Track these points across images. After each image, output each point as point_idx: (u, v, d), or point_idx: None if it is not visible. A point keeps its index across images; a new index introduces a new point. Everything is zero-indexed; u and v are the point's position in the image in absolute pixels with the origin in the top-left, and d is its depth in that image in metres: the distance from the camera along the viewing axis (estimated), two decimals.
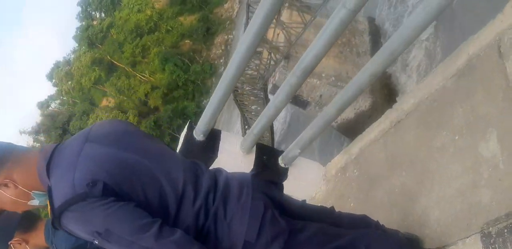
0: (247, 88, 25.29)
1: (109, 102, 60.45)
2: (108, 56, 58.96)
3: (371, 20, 20.96)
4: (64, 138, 67.36)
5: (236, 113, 36.69)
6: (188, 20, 60.82)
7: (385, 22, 19.84)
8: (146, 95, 53.92)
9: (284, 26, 20.14)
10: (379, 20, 20.58)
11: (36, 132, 77.31)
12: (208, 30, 57.55)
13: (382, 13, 20.36)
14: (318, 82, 19.59)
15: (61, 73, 72.28)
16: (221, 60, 55.20)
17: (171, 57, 53.54)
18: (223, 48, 56.13)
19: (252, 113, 26.50)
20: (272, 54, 21.38)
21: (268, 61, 22.46)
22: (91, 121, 57.15)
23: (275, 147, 27.46)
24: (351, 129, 18.88)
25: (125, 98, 55.54)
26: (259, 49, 23.44)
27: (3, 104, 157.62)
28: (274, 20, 21.00)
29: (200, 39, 57.82)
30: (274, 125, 26.14)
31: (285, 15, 22.14)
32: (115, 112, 52.87)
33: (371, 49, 20.16)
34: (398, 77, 17.08)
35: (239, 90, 26.05)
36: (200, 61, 55.06)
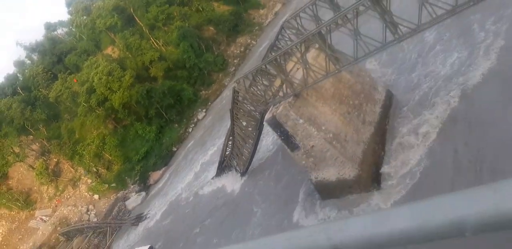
0: (247, 105, 24.95)
1: (113, 53, 58.92)
2: (131, 9, 57.36)
3: (389, 95, 20.82)
4: (55, 67, 66.00)
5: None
6: (222, 9, 59.30)
7: (402, 105, 19.58)
8: (151, 62, 52.73)
9: (307, 66, 19.77)
10: (398, 98, 20.33)
11: (32, 49, 75.77)
12: (236, 26, 56.27)
13: (403, 93, 20.13)
14: (315, 133, 19.18)
15: (80, 5, 70.57)
16: (235, 61, 54.26)
17: (190, 36, 52.22)
18: (242, 49, 55.05)
19: (242, 131, 26.20)
20: (284, 86, 21.01)
21: (278, 90, 22.12)
22: (88, 63, 55.98)
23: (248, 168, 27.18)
24: (327, 191, 18.69)
25: (130, 56, 54.12)
26: (273, 72, 22.99)
27: (11, 8, 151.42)
28: (299, 54, 20.54)
29: (224, 32, 56.58)
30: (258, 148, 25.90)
31: (311, 54, 21.72)
32: (114, 65, 51.48)
33: (377, 122, 19.75)
34: (390, 162, 17.01)
35: (239, 104, 25.75)
36: (216, 53, 53.99)
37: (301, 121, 19.80)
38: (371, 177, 16.67)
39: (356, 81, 20.48)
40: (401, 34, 16.55)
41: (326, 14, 19.51)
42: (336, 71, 18.90)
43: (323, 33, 18.66)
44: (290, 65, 21.41)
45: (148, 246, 29.39)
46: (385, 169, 16.32)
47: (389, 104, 20.18)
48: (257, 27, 58.03)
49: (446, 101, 16.68)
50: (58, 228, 45.18)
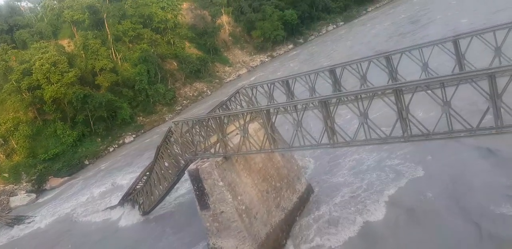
0: (176, 148, 24.15)
1: (68, 46, 55.41)
2: (105, 15, 54.92)
3: (309, 190, 21.23)
4: (2, 35, 60.64)
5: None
6: (192, 51, 59.41)
7: (318, 204, 19.79)
8: (101, 70, 50.16)
9: (246, 135, 19.78)
10: (316, 196, 20.62)
11: None
12: (198, 72, 56.19)
13: (321, 194, 20.42)
14: (230, 200, 18.13)
15: None
16: (184, 101, 53.68)
17: (151, 62, 50.88)
18: (195, 94, 54.69)
19: (162, 171, 25.19)
20: (218, 145, 20.72)
21: (211, 147, 21.71)
22: (38, 45, 51.96)
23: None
24: None
25: (83, 56, 51.12)
26: (213, 128, 22.40)
27: None
28: (243, 122, 20.34)
29: (184, 71, 55.90)
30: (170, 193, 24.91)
31: (254, 126, 21.64)
32: (63, 58, 47.89)
33: (289, 210, 19.67)
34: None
35: (168, 144, 24.83)
36: (169, 87, 52.89)
37: (221, 183, 19.03)
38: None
39: (284, 165, 20.80)
40: (335, 142, 17.44)
41: (282, 95, 19.98)
42: (269, 150, 19.14)
43: (271, 112, 19.14)
44: (231, 128, 21.21)
45: None
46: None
47: (306, 198, 20.44)
48: (217, 80, 58.39)
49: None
50: None
